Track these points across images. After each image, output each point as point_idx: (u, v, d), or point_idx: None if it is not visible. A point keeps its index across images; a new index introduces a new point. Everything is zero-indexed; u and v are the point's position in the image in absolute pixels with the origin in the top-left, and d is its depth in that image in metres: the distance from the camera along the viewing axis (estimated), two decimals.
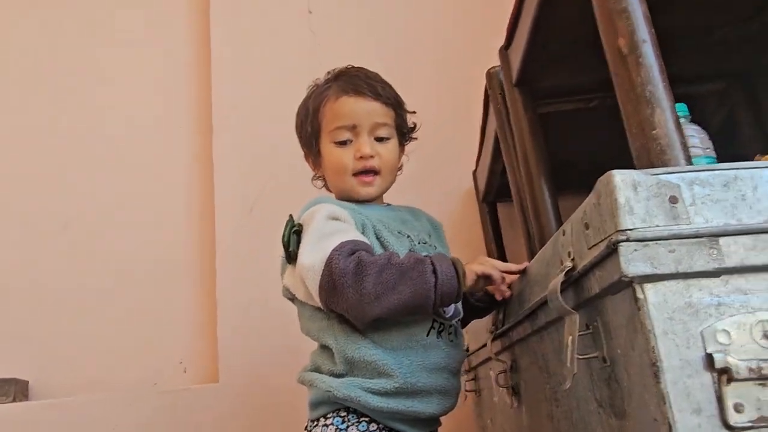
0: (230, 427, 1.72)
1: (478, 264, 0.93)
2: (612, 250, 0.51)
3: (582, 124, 1.25)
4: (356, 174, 1.02)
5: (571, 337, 0.60)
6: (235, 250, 1.89)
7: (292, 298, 1.00)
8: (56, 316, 1.92)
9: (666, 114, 0.59)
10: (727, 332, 0.49)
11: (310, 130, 1.06)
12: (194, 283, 1.95)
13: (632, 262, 0.50)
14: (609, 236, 0.52)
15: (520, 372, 0.99)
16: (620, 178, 0.52)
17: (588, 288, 0.59)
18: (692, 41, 1.17)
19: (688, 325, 0.49)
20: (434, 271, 0.85)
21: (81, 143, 2.10)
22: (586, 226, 0.57)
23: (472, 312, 1.07)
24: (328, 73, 1.11)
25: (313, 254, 0.88)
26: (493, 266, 0.93)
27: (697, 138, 0.78)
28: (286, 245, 0.94)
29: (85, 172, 2.06)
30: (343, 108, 1.02)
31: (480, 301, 1.04)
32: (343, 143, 1.02)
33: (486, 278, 0.92)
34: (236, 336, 1.80)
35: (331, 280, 0.85)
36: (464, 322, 1.08)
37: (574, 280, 0.62)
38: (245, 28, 2.12)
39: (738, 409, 0.47)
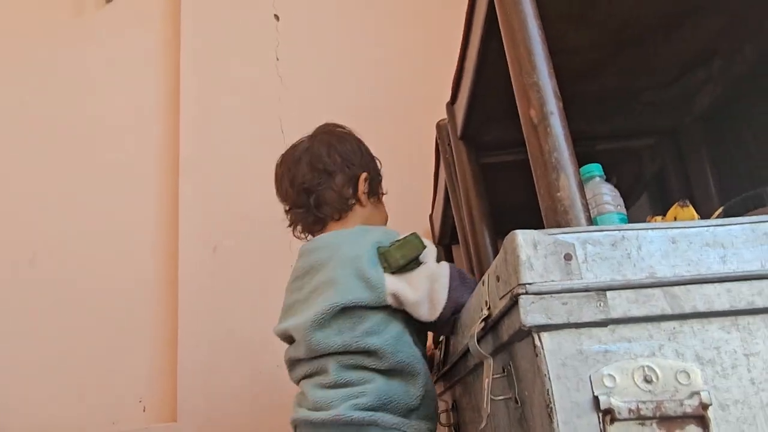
0: None
1: None
2: (514, 302, 0.57)
3: (520, 173, 1.33)
4: None
5: (487, 380, 0.65)
6: (197, 289, 1.91)
7: (379, 309, 1.01)
8: (14, 354, 1.90)
9: (570, 179, 0.66)
10: (612, 376, 0.54)
11: (377, 173, 1.23)
12: (156, 321, 1.96)
13: (530, 313, 0.55)
14: (512, 289, 0.57)
15: (460, 411, 1.04)
16: (522, 237, 0.58)
17: (501, 334, 0.64)
18: (624, 102, 1.26)
19: (579, 370, 0.54)
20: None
21: (48, 180, 2.11)
22: (498, 279, 0.63)
23: None
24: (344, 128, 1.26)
25: (441, 265, 1.03)
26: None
27: (609, 196, 0.85)
28: (411, 259, 1.01)
29: (50, 209, 2.08)
30: None
31: None
32: None
33: None
34: (196, 375, 1.81)
35: (461, 274, 1.01)
36: None
37: (491, 327, 0.67)
38: (214, 74, 2.19)
39: None
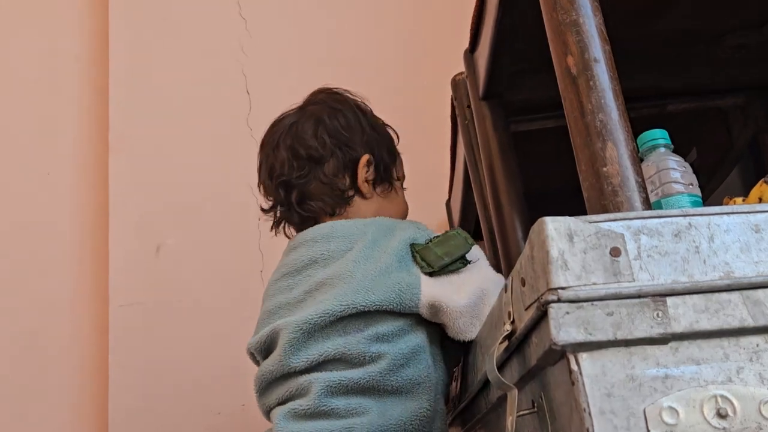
0: None
1: None
2: (543, 313, 0.57)
3: (563, 144, 1.33)
4: None
5: (511, 418, 0.65)
6: (135, 301, 1.93)
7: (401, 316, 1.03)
8: None
9: (620, 148, 0.66)
10: (674, 410, 0.54)
11: (390, 154, 1.24)
12: (80, 355, 1.97)
13: (564, 327, 0.55)
14: (541, 295, 0.57)
15: None
16: (553, 226, 0.58)
17: (529, 357, 0.64)
18: (702, 47, 1.26)
19: (629, 402, 0.54)
20: None
21: None
22: (523, 282, 0.63)
23: None
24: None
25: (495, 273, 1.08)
26: None
27: (678, 171, 0.85)
28: (457, 258, 1.03)
29: None
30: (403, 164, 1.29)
31: None
32: None
33: None
34: (135, 419, 1.84)
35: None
36: None
37: (516, 347, 0.67)
38: (153, 16, 2.19)
39: None
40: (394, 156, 1.24)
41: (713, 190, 1.50)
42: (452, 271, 1.03)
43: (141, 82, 2.13)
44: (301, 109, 1.23)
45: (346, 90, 1.26)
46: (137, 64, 2.15)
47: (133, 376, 1.88)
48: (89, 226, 2.07)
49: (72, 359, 1.96)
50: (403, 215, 1.24)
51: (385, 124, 1.26)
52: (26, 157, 2.13)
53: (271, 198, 1.22)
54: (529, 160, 1.26)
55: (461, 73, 1.35)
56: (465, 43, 1.28)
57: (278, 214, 1.22)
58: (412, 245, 1.05)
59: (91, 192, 2.10)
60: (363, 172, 1.17)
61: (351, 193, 1.16)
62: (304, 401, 0.98)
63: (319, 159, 1.16)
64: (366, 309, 1.00)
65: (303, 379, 1.00)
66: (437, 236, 1.05)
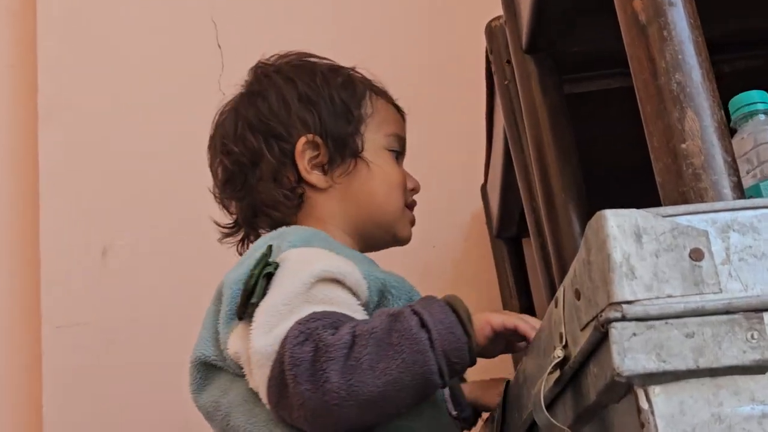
0: None
1: (496, 314, 1.04)
2: (603, 334, 0.58)
3: (636, 112, 1.33)
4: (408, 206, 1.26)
5: None
6: (73, 325, 1.95)
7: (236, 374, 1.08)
8: None
9: (704, 119, 0.66)
10: None
11: (347, 116, 1.22)
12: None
13: (630, 352, 0.56)
14: (600, 312, 0.58)
15: None
16: (616, 222, 0.59)
17: (586, 391, 0.65)
18: None
19: None
20: (422, 324, 0.94)
21: None
22: (578, 295, 0.64)
23: None
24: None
25: (276, 328, 0.99)
26: (519, 317, 1.03)
27: None
28: (249, 292, 1.03)
29: None
30: (396, 116, 1.30)
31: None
32: (396, 156, 1.26)
33: (507, 335, 1.02)
34: None
35: (281, 372, 0.96)
36: None
37: (571, 378, 0.68)
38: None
39: None
40: (350, 119, 1.22)
41: None
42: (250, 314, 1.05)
43: (78, 31, 2.15)
44: (231, 101, 1.27)
45: (284, 55, 1.29)
46: (73, 4, 2.16)
47: (72, 416, 1.90)
48: (15, 224, 2.09)
49: None
50: (391, 194, 1.23)
51: (336, 75, 1.25)
52: None
53: (229, 215, 1.29)
54: (588, 132, 1.26)
55: (498, 17, 1.35)
56: None
57: (235, 229, 1.29)
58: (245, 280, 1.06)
59: (15, 177, 2.11)
60: (304, 160, 1.18)
61: (300, 190, 1.19)
62: None
63: (250, 164, 1.19)
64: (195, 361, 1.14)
65: None
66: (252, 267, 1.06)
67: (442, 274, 1.73)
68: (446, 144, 1.76)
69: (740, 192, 0.67)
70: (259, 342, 0.99)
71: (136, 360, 1.93)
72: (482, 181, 1.89)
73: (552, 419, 0.67)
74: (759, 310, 0.57)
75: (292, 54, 1.28)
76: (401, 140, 1.28)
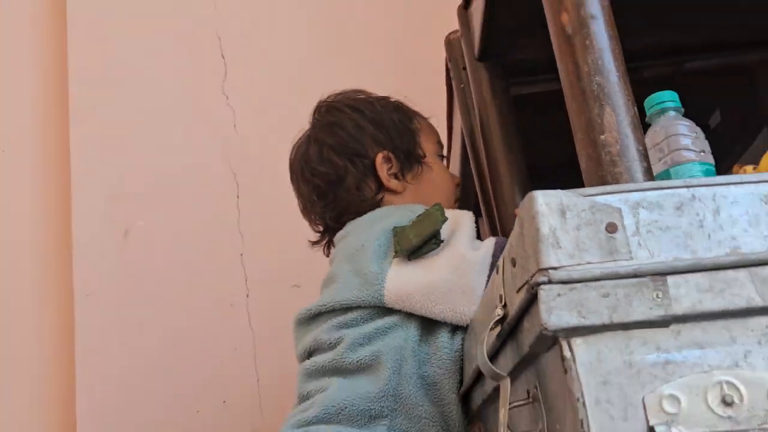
0: None
1: None
2: (533, 295, 0.58)
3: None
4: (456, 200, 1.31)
5: (503, 410, 0.66)
6: (103, 293, 1.94)
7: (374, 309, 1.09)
8: None
9: (620, 113, 0.67)
10: (676, 398, 0.55)
11: (408, 136, 1.27)
12: (45, 353, 1.99)
13: (556, 310, 0.56)
14: (531, 276, 0.58)
15: None
16: (544, 200, 0.59)
17: (521, 343, 0.65)
18: None
19: (627, 390, 0.56)
20: None
21: None
22: (513, 263, 0.64)
23: None
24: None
25: (480, 250, 1.06)
26: None
27: (688, 138, 0.85)
28: (428, 238, 1.05)
29: None
30: (434, 129, 1.35)
31: None
32: (442, 159, 1.32)
33: None
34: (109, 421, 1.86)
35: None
36: None
37: (509, 333, 0.69)
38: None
39: None
40: (410, 134, 1.27)
41: (739, 155, 1.51)
42: (425, 253, 1.06)
43: (103, 46, 2.13)
44: (307, 134, 1.29)
45: (343, 93, 1.31)
46: (98, 25, 2.14)
47: (102, 373, 1.90)
48: (51, 208, 2.07)
49: (35, 357, 1.98)
50: (449, 191, 1.29)
51: (392, 104, 1.30)
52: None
53: (315, 227, 1.30)
54: (531, 128, 1.27)
55: (455, 32, 1.35)
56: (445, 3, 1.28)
57: (326, 236, 1.30)
58: (394, 229, 1.08)
59: (51, 170, 2.10)
60: (384, 171, 1.22)
61: (380, 196, 1.23)
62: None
63: (337, 180, 1.22)
64: (335, 307, 1.10)
65: (300, 367, 1.15)
66: (419, 216, 1.08)
67: None
68: None
69: (650, 176, 0.68)
70: (474, 252, 1.05)
71: (154, 321, 1.93)
72: None
73: (493, 367, 0.68)
74: (663, 273, 0.57)
75: (347, 91, 1.31)
76: (442, 147, 1.34)
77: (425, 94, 1.81)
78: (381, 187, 1.22)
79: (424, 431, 1.02)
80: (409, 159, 1.24)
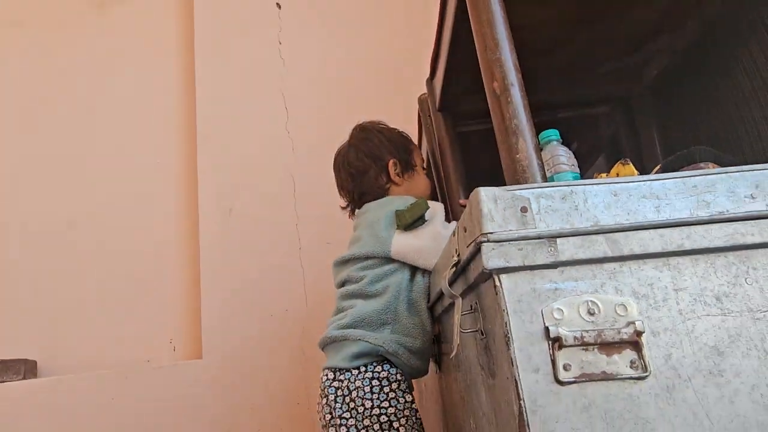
0: (211, 396, 1.76)
1: None
2: (478, 249, 0.57)
3: (490, 140, 1.32)
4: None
5: (457, 316, 0.66)
6: (216, 245, 1.92)
7: (384, 258, 1.06)
8: (62, 304, 1.92)
9: (527, 143, 0.65)
10: (561, 310, 0.55)
11: (407, 152, 1.22)
12: (182, 274, 1.97)
13: (491, 258, 0.56)
14: (476, 237, 0.58)
15: (440, 344, 1.06)
16: (485, 193, 0.58)
17: (469, 277, 0.65)
18: (583, 73, 1.24)
19: (532, 305, 0.55)
20: None
21: (84, 155, 2.09)
22: (465, 229, 0.63)
23: None
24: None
25: (448, 228, 1.04)
26: None
27: (564, 157, 0.85)
28: (416, 218, 1.04)
29: (88, 180, 2.07)
30: (421, 153, 1.28)
31: None
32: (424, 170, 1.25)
33: None
34: (218, 319, 1.84)
35: None
36: None
37: (460, 271, 0.68)
38: (225, 60, 2.15)
39: (566, 368, 0.53)
40: (409, 152, 1.23)
41: (587, 168, 1.50)
42: (415, 227, 1.04)
43: (218, 99, 2.10)
44: (347, 143, 1.26)
45: (371, 121, 1.28)
46: (215, 88, 2.12)
47: (219, 290, 1.87)
48: (185, 196, 2.06)
49: (174, 273, 1.97)
50: (427, 190, 1.24)
51: (400, 133, 1.26)
52: (144, 151, 2.11)
53: (345, 199, 1.26)
54: (469, 151, 1.26)
55: (424, 94, 1.33)
56: (427, 74, 1.26)
57: (351, 206, 1.26)
58: (396, 211, 1.07)
59: (186, 171, 2.08)
60: (392, 171, 1.19)
61: (388, 186, 1.19)
62: (336, 305, 1.11)
63: (364, 171, 1.20)
64: (362, 256, 1.08)
65: (337, 292, 1.12)
66: (412, 204, 1.06)
67: None
68: None
69: (545, 179, 0.67)
70: (444, 230, 1.03)
71: (251, 258, 1.91)
72: None
73: (451, 290, 0.67)
74: (554, 237, 0.57)
75: (374, 120, 1.28)
76: (424, 162, 1.29)
77: (406, 129, 1.82)
78: (389, 180, 1.19)
79: (411, 332, 1.01)
80: (407, 165, 1.20)
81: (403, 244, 1.04)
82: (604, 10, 1.02)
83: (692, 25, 1.10)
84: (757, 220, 0.58)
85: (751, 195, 0.59)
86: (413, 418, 0.97)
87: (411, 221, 1.03)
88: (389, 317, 1.01)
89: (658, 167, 0.77)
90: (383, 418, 0.94)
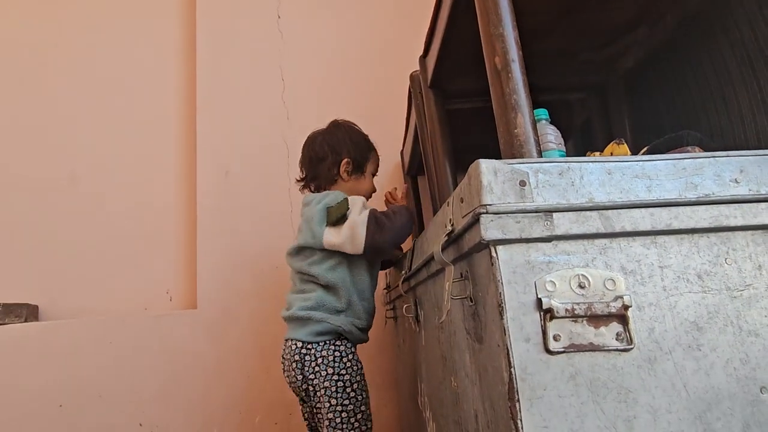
0: (204, 343, 1.71)
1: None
2: (476, 220, 0.52)
3: (480, 119, 1.26)
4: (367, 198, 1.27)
5: (448, 283, 0.61)
6: (212, 204, 1.84)
7: (322, 249, 1.13)
8: (65, 253, 1.82)
9: (526, 118, 0.60)
10: (553, 282, 0.51)
11: (363, 157, 1.24)
12: (180, 230, 1.89)
13: (489, 229, 0.51)
14: (474, 209, 0.53)
15: (420, 306, 1.02)
16: (485, 165, 0.53)
17: (462, 247, 0.60)
18: (564, 60, 1.19)
19: (526, 276, 0.51)
20: (408, 209, 1.16)
21: (88, 113, 1.96)
22: (461, 200, 0.58)
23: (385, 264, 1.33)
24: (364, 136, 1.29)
25: (361, 215, 1.10)
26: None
27: (552, 135, 0.80)
28: (340, 216, 1.10)
29: (90, 136, 1.94)
30: (378, 160, 1.30)
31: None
32: (372, 176, 1.28)
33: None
34: (212, 273, 1.77)
35: (377, 222, 1.08)
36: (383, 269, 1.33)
37: (453, 240, 0.63)
38: (225, 31, 2.02)
39: (556, 338, 0.49)
40: (365, 158, 1.25)
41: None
42: (339, 222, 1.10)
43: (218, 67, 1.98)
44: (320, 130, 1.28)
45: (347, 121, 1.29)
46: (216, 56, 1.99)
47: (214, 245, 1.80)
48: (184, 157, 1.95)
49: (173, 228, 1.89)
50: (367, 193, 1.25)
51: (365, 139, 1.27)
52: (145, 110, 1.98)
53: (301, 174, 1.29)
54: (456, 127, 1.20)
55: (416, 71, 1.25)
56: (420, 51, 1.19)
57: (303, 183, 1.28)
58: (327, 208, 1.12)
59: (186, 132, 1.97)
60: (344, 167, 1.21)
61: (336, 178, 1.22)
62: (294, 287, 1.18)
63: (322, 158, 1.23)
64: (307, 246, 1.14)
65: (294, 276, 1.18)
66: (338, 202, 1.12)
67: (381, 190, 1.63)
68: (384, 130, 1.65)
69: (540, 155, 0.62)
70: (360, 217, 1.08)
71: (247, 210, 1.84)
72: (400, 148, 1.81)
73: (444, 258, 0.62)
74: (550, 211, 0.52)
75: (349, 121, 1.30)
76: (377, 170, 1.29)
77: (397, 103, 1.74)
78: (338, 174, 1.21)
79: (360, 315, 1.11)
80: (358, 167, 1.22)
81: (330, 240, 1.10)
82: (586, 2, 0.96)
83: (671, 18, 1.05)
84: (740, 204, 0.54)
85: (735, 179, 0.55)
86: (362, 382, 1.10)
87: (336, 218, 1.09)
88: (344, 306, 1.11)
89: (645, 149, 0.73)
90: (339, 383, 1.07)
